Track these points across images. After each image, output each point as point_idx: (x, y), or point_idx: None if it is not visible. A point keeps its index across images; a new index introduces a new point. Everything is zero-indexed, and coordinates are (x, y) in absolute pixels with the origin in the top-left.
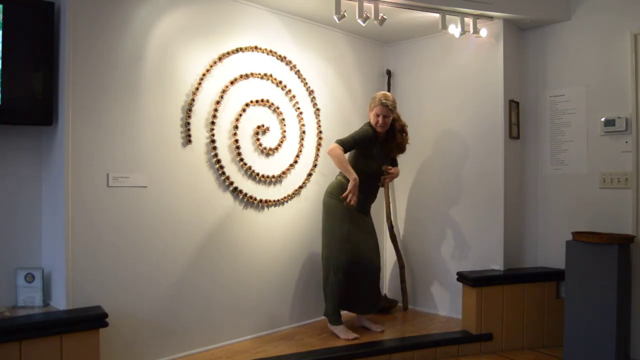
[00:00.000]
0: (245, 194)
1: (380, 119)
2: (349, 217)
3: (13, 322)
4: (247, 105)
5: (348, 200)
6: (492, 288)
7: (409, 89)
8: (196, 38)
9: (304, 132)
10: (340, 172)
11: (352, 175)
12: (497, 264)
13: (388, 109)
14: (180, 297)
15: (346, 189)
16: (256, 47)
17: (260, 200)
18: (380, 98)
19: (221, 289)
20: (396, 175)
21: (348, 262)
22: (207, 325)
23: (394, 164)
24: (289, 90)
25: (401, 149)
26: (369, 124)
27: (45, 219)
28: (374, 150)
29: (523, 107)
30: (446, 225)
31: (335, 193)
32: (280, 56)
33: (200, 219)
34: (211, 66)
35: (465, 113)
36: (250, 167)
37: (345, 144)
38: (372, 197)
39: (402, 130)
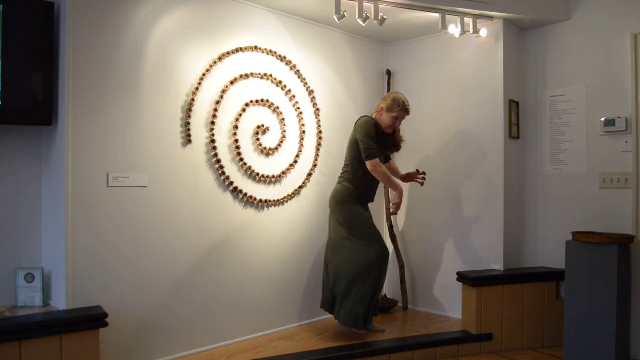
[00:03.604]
0: (245, 194)
1: (397, 123)
2: (365, 213)
3: (13, 322)
4: (247, 105)
5: (395, 210)
6: (492, 288)
7: (409, 89)
8: (196, 38)
9: (304, 132)
10: (343, 178)
11: (399, 188)
12: (497, 264)
13: (405, 114)
14: (180, 297)
15: (355, 194)
16: (256, 47)
17: (260, 200)
18: (404, 103)
19: (221, 289)
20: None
21: (385, 252)
22: (207, 325)
23: (388, 159)
24: (289, 90)
25: (398, 147)
26: (367, 116)
27: (45, 219)
28: (379, 144)
29: (523, 107)
30: (446, 225)
31: (346, 199)
32: (280, 56)
33: (200, 219)
34: (211, 66)
35: (465, 113)
36: (250, 167)
37: (376, 151)
38: (377, 187)
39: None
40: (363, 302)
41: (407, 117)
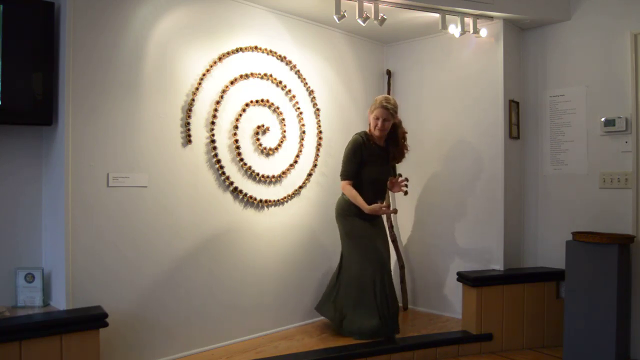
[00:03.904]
0: (245, 194)
1: (379, 123)
2: (366, 226)
3: (13, 322)
4: (247, 105)
5: (391, 211)
6: (492, 288)
7: (409, 89)
8: (196, 38)
9: (304, 132)
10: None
11: (366, 208)
12: (497, 264)
13: (388, 113)
14: (180, 297)
15: (353, 207)
16: (256, 47)
17: (260, 200)
18: (381, 101)
19: (221, 289)
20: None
21: (380, 268)
22: (207, 325)
23: (395, 170)
24: (289, 90)
25: (398, 158)
26: (357, 133)
27: (45, 219)
28: (372, 156)
29: (523, 107)
30: (446, 225)
31: (345, 212)
32: (280, 56)
33: (200, 219)
34: (211, 66)
35: (465, 113)
36: (250, 167)
37: (349, 173)
38: (381, 200)
39: (404, 137)
40: (369, 315)
41: (406, 116)
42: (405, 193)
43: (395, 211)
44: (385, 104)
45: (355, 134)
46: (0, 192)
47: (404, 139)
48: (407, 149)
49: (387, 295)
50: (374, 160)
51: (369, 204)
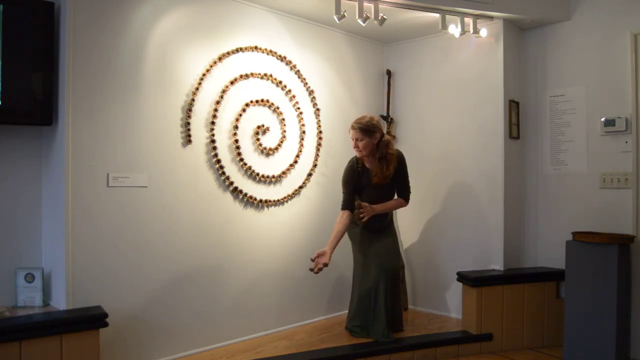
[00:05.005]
0: (245, 194)
1: (353, 143)
2: (364, 241)
3: (13, 322)
4: (247, 105)
5: (316, 270)
6: (492, 288)
7: (409, 89)
8: (196, 38)
9: (304, 132)
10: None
11: (326, 247)
12: (497, 264)
13: (358, 132)
14: (180, 297)
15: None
16: (256, 47)
17: (260, 200)
18: (353, 122)
19: (221, 289)
20: (370, 211)
21: (382, 280)
22: (207, 325)
23: (401, 191)
24: (289, 90)
25: (381, 177)
26: (351, 159)
27: (45, 219)
28: (365, 179)
29: (523, 107)
30: (446, 225)
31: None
32: (280, 56)
33: (200, 219)
34: (211, 66)
35: (465, 113)
36: (250, 167)
37: (344, 202)
38: (384, 219)
39: (386, 156)
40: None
41: (406, 117)
42: (361, 220)
43: (314, 271)
44: (353, 123)
45: (348, 162)
46: (0, 192)
47: (386, 159)
48: (389, 169)
49: (386, 305)
50: (367, 183)
51: (369, 225)
